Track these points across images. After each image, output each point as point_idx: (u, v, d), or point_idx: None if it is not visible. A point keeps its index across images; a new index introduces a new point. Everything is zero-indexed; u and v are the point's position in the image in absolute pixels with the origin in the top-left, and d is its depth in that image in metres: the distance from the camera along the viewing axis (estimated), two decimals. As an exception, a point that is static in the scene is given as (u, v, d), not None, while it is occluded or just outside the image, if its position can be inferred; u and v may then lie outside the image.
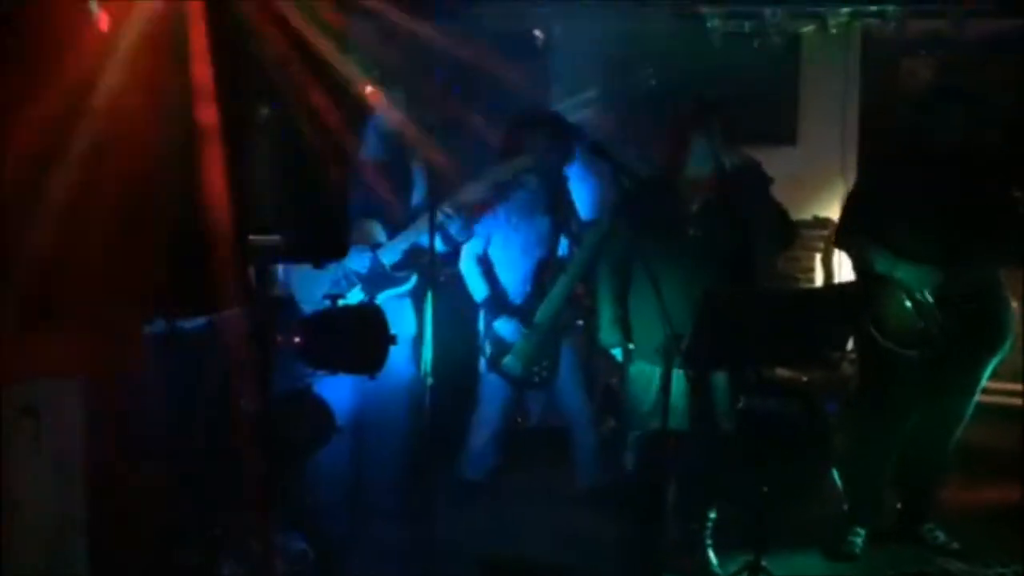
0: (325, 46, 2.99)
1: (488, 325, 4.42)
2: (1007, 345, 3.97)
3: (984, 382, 4.00)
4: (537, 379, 4.44)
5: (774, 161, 5.37)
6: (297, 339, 3.07)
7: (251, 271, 2.85)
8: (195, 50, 2.55)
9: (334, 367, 3.20)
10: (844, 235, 4.17)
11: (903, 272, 3.81)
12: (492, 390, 4.52)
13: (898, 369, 3.88)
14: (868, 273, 3.93)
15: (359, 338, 3.17)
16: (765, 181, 3.76)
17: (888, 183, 3.94)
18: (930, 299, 3.80)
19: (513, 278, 4.45)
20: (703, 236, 3.72)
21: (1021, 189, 3.78)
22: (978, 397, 4.02)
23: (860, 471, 4.12)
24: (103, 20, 2.57)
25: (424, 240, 3.78)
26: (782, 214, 3.84)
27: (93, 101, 2.53)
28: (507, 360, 4.39)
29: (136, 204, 2.65)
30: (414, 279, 4.15)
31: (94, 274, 2.65)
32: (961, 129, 3.80)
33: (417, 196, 4.22)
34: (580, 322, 4.73)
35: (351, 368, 3.26)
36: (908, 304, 3.81)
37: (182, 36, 2.59)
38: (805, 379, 4.46)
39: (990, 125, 4.05)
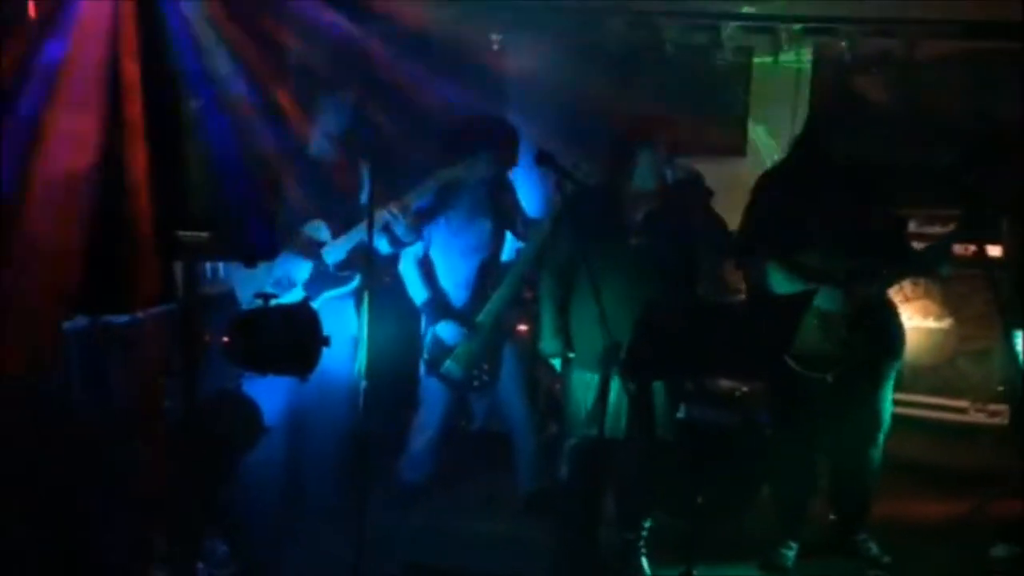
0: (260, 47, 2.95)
1: (428, 328, 4.39)
2: (905, 350, 4.01)
3: (892, 390, 4.00)
4: (477, 383, 4.40)
5: (723, 172, 5.40)
6: (225, 338, 3.01)
7: (178, 268, 2.81)
8: (124, 46, 2.49)
9: (262, 368, 3.14)
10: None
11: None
12: (433, 394, 4.48)
13: (809, 390, 3.85)
14: (769, 293, 3.85)
15: (289, 339, 3.11)
16: (706, 194, 3.77)
17: (785, 198, 3.84)
18: (834, 318, 3.77)
19: (454, 281, 4.41)
20: (645, 246, 3.72)
21: (915, 205, 3.75)
22: (891, 406, 4.00)
23: (786, 486, 4.12)
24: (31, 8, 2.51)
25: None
26: (722, 226, 3.84)
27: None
28: (447, 364, 4.35)
29: (61, 199, 2.59)
30: (357, 279, 4.10)
31: (15, 269, 2.58)
32: (855, 141, 3.75)
33: (365, 196, 4.17)
34: (524, 326, 4.70)
35: (280, 369, 3.19)
36: (812, 324, 3.74)
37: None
38: (745, 390, 4.47)
39: (891, 138, 4.01)
